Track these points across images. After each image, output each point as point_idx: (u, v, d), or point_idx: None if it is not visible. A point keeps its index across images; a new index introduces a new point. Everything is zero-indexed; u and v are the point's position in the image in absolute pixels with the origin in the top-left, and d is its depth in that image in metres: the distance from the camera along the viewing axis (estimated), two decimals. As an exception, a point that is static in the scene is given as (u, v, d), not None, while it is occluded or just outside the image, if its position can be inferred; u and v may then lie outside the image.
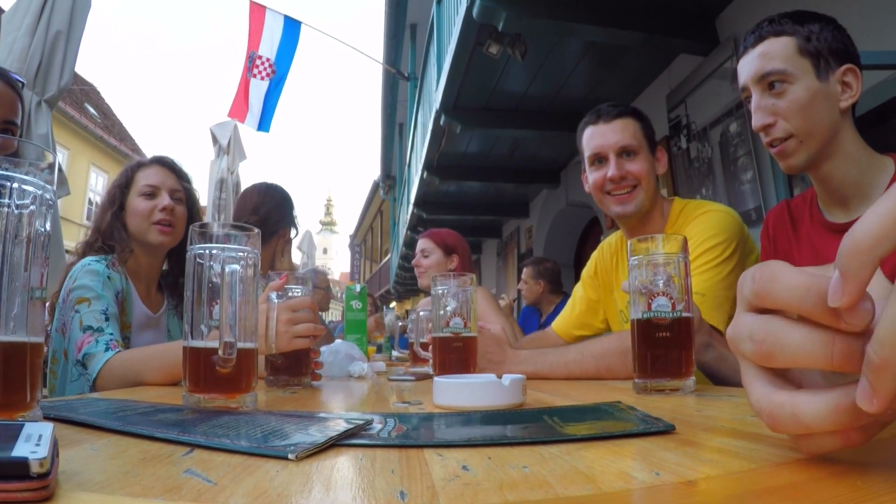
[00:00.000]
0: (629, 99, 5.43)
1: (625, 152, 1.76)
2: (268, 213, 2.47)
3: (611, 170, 1.75)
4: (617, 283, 1.98)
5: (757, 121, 1.35)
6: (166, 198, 1.88)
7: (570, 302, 2.22)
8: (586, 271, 2.16)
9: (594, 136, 1.79)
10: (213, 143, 6.01)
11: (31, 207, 0.58)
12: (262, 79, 7.74)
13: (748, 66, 1.37)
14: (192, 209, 1.98)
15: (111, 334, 1.57)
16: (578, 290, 2.18)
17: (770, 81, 1.33)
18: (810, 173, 1.39)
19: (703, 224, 1.67)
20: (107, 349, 1.51)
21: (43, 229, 0.60)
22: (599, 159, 1.79)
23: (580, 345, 1.52)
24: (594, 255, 2.15)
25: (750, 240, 1.73)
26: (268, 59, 7.81)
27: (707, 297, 1.53)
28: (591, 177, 1.81)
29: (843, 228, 1.34)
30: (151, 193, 1.88)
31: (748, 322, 0.42)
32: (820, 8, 1.38)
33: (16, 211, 0.57)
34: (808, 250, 1.45)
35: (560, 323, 2.21)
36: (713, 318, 1.51)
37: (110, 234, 1.85)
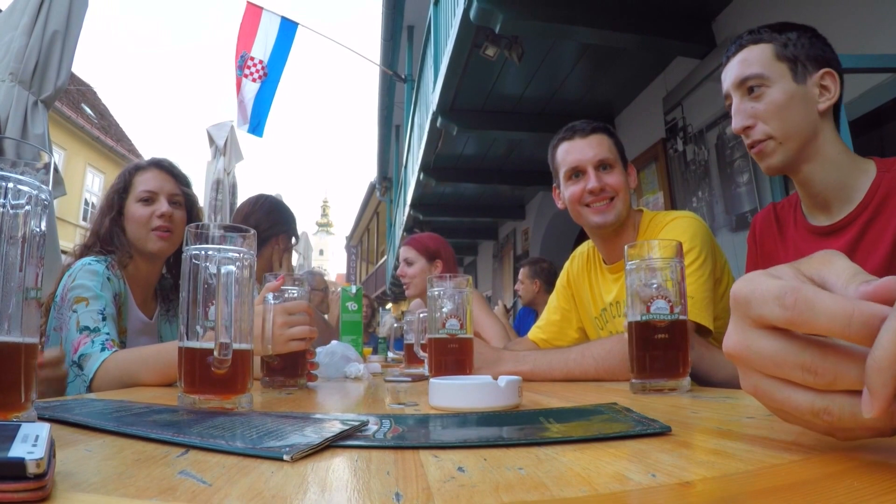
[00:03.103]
0: (626, 101, 5.45)
1: (602, 165, 1.82)
2: (257, 221, 2.47)
3: (590, 182, 1.80)
4: (590, 291, 2.02)
5: (736, 123, 1.40)
6: (164, 204, 1.85)
7: (544, 312, 2.26)
8: (559, 281, 2.21)
9: (571, 151, 1.85)
10: (209, 143, 6.00)
11: (27, 207, 0.58)
12: (254, 80, 7.71)
13: (729, 73, 1.43)
14: (191, 213, 1.95)
15: (107, 334, 1.56)
16: (553, 301, 2.22)
17: (749, 86, 1.38)
18: (791, 176, 1.42)
19: (675, 230, 1.72)
20: (103, 349, 1.51)
21: (38, 229, 0.59)
22: (577, 173, 1.85)
23: (581, 346, 1.54)
24: (566, 265, 2.19)
25: (717, 245, 1.80)
26: (260, 61, 7.77)
27: (696, 299, 1.56)
28: (569, 191, 1.86)
29: (825, 231, 1.36)
30: (149, 199, 1.86)
31: (775, 286, 0.43)
32: (814, 13, 1.41)
33: (11, 211, 0.56)
34: (793, 254, 1.46)
35: (536, 332, 2.23)
36: (703, 318, 1.56)
37: (109, 239, 1.83)
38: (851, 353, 0.41)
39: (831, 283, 0.45)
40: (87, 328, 1.56)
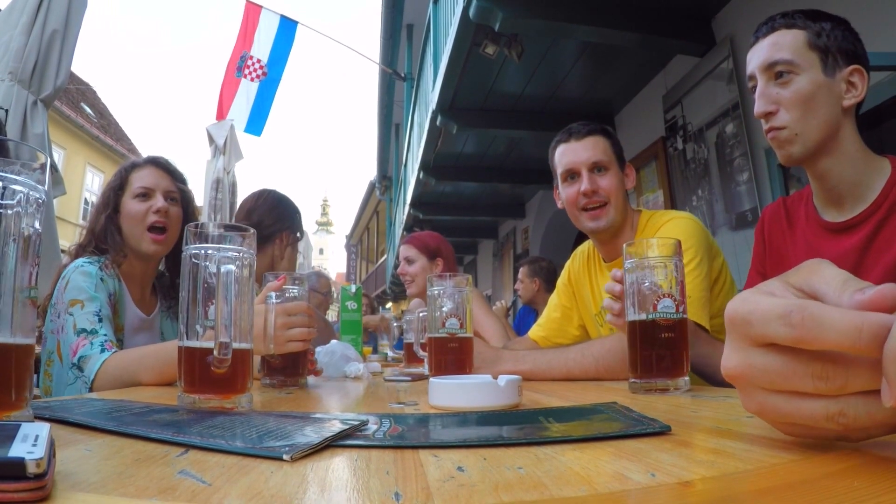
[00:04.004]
0: (625, 100, 5.45)
1: (596, 168, 1.84)
2: (260, 217, 2.40)
3: (584, 184, 1.83)
4: (590, 289, 2.04)
5: (759, 107, 1.37)
6: (160, 199, 1.85)
7: (545, 310, 2.27)
8: (560, 279, 2.22)
9: (566, 153, 1.88)
10: (209, 142, 5.99)
11: (20, 208, 0.58)
12: (253, 80, 7.68)
13: (757, 54, 1.39)
14: (187, 210, 1.95)
15: (105, 335, 1.56)
16: (554, 299, 2.24)
17: (777, 71, 1.35)
18: (807, 168, 1.40)
19: (671, 231, 1.72)
20: (102, 350, 1.51)
21: (33, 229, 0.59)
22: (572, 175, 1.87)
23: (581, 345, 1.55)
24: (567, 263, 2.21)
25: (714, 245, 1.81)
26: (259, 61, 7.75)
27: (693, 299, 1.56)
28: (565, 193, 1.90)
29: (837, 227, 1.35)
30: (145, 195, 1.85)
31: (778, 305, 0.43)
32: (822, 7, 1.39)
33: (9, 212, 0.56)
34: (803, 247, 1.46)
35: (537, 330, 2.23)
36: (700, 317, 1.57)
37: (104, 237, 1.83)
38: (858, 357, 0.41)
39: (822, 293, 0.45)
40: (84, 330, 1.56)
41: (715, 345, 1.46)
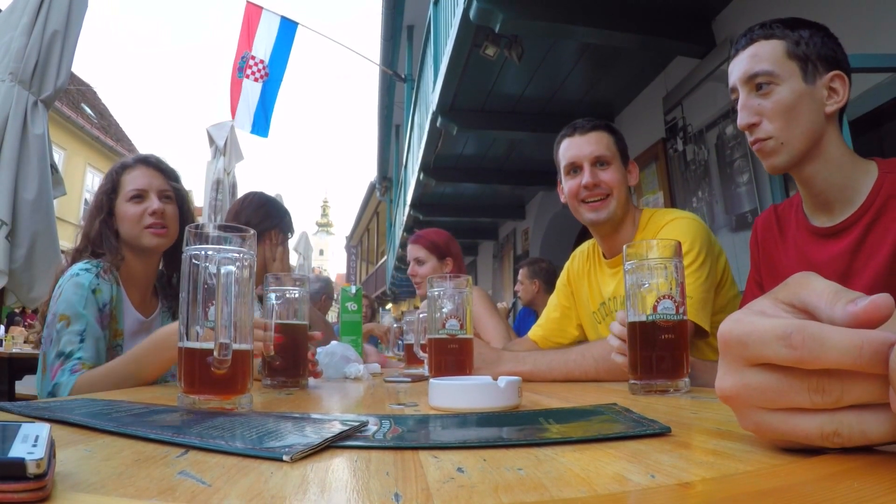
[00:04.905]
0: (625, 101, 5.45)
1: (598, 162, 1.86)
2: (247, 218, 2.42)
3: (585, 177, 1.85)
4: (588, 286, 2.05)
5: (741, 119, 1.39)
6: (155, 201, 1.83)
7: (545, 310, 2.29)
8: (560, 280, 2.24)
9: (570, 147, 1.90)
10: (209, 143, 6.00)
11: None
12: (256, 80, 7.70)
13: (737, 66, 1.40)
14: (183, 207, 1.93)
15: (79, 357, 1.56)
16: (553, 299, 2.26)
17: (757, 82, 1.36)
18: (794, 175, 1.41)
19: (674, 231, 1.73)
20: (71, 374, 1.52)
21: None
22: (574, 169, 1.90)
23: (581, 346, 1.55)
24: (567, 264, 2.22)
25: (717, 244, 1.81)
26: (261, 61, 7.77)
27: (694, 300, 1.57)
28: (567, 185, 1.92)
29: (827, 233, 1.35)
30: (140, 197, 1.83)
31: (776, 325, 0.43)
32: (815, 11, 1.39)
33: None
34: (794, 254, 1.46)
35: (536, 331, 2.25)
36: (700, 318, 1.58)
37: (99, 241, 1.81)
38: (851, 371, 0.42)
39: (814, 306, 0.45)
40: (62, 354, 1.57)
41: (712, 371, 1.45)
